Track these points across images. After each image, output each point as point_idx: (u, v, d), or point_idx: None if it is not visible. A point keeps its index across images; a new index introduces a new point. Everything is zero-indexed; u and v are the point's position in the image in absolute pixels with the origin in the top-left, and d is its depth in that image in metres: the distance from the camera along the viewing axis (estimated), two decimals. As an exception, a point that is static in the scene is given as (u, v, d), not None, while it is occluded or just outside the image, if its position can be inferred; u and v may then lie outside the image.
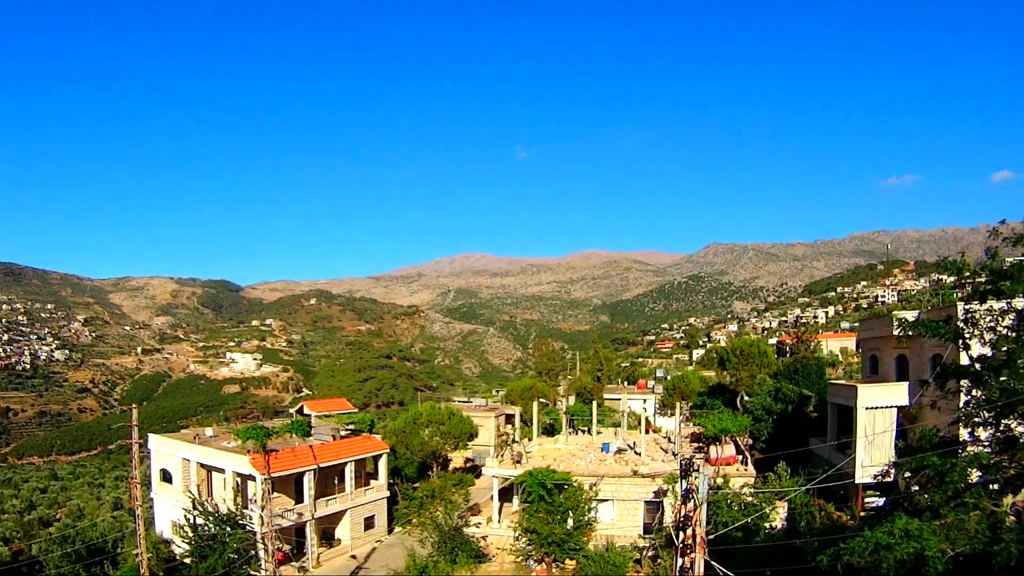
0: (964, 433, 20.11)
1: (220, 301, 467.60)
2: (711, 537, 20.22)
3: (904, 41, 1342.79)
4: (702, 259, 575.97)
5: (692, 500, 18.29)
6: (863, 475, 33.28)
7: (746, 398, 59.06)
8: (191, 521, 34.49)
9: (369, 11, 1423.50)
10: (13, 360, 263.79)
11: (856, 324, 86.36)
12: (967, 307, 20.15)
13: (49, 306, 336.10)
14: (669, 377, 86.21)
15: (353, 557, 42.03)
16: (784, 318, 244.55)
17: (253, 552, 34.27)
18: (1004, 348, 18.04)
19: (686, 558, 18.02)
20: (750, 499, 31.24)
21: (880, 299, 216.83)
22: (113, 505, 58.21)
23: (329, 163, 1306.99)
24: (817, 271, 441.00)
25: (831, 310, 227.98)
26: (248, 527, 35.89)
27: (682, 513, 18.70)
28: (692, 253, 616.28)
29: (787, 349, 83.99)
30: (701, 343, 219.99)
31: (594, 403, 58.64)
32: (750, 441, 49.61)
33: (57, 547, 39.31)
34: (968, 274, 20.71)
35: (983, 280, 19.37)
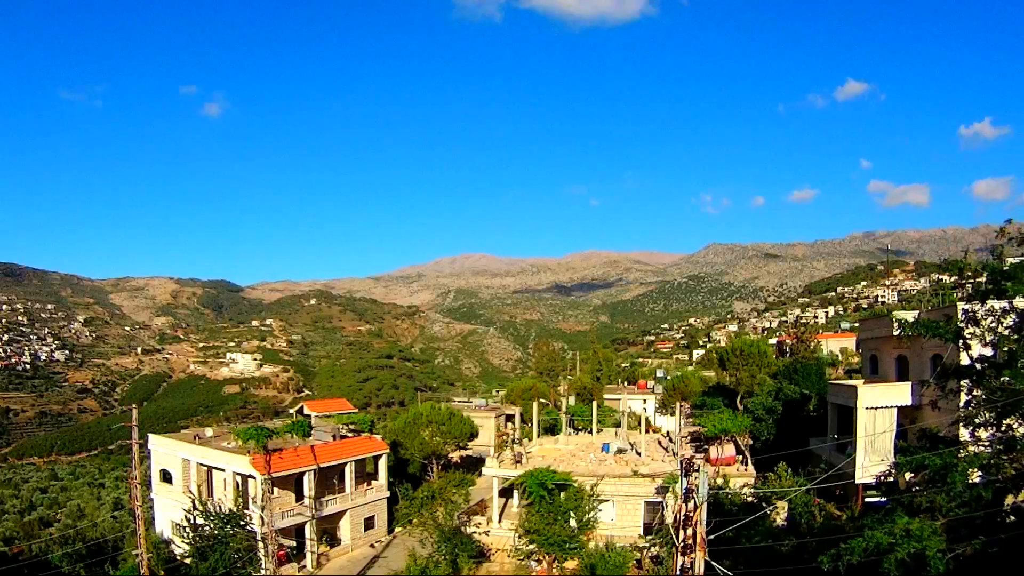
0: (965, 433, 20.08)
1: (220, 301, 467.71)
2: (711, 537, 20.21)
3: (903, 41, 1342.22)
4: (702, 259, 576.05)
5: (692, 500, 18.29)
6: (863, 475, 33.26)
7: (746, 398, 59.00)
8: (191, 521, 34.49)
9: (360, 9, 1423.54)
10: (13, 360, 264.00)
11: (856, 324, 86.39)
12: (967, 307, 20.07)
13: (49, 306, 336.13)
14: (669, 377, 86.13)
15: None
16: (784, 318, 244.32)
17: (254, 552, 34.26)
18: (1005, 348, 18.00)
19: (686, 558, 18.03)
20: (750, 499, 31.27)
21: (880, 299, 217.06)
22: (113, 505, 58.19)
23: (329, 163, 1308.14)
24: (817, 271, 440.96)
25: (831, 310, 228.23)
26: (248, 527, 35.89)
27: (682, 513, 18.68)
28: (692, 253, 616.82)
29: (787, 349, 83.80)
30: (701, 343, 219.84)
31: (594, 403, 58.75)
32: (750, 441, 49.58)
33: (57, 547, 39.32)
34: (969, 274, 20.62)
35: (983, 280, 19.31)
